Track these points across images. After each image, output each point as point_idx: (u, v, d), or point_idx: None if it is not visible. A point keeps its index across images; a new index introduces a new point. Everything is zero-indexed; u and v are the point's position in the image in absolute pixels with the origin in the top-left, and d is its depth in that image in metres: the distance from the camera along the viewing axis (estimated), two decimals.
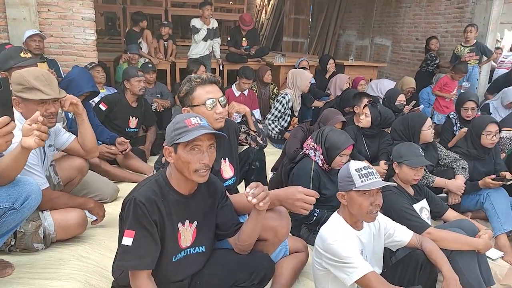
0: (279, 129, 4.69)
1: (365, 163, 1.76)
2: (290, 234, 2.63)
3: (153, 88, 4.91)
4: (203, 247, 1.64)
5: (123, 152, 3.38)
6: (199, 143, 1.45)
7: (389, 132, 3.77)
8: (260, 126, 2.66)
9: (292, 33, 10.94)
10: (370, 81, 6.17)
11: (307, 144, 2.69)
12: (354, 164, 1.74)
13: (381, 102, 4.39)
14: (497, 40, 6.98)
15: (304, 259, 2.27)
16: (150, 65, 4.86)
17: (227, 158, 2.23)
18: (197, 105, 1.92)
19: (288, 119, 4.74)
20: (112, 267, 1.65)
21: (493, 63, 6.48)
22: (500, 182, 2.91)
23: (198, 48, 6.17)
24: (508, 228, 2.76)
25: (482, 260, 2.19)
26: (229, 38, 6.81)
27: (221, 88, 2.07)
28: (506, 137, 3.63)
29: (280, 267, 2.11)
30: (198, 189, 1.60)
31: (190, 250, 1.61)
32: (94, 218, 2.37)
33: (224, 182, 2.13)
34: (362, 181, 1.66)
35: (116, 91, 4.37)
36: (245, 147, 2.71)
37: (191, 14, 8.03)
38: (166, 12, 8.41)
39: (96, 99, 3.83)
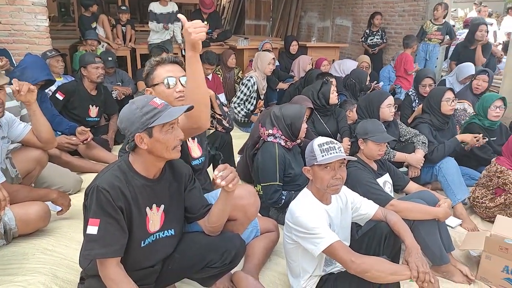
0: (245, 112, 4.68)
1: (329, 139, 1.80)
2: (259, 215, 2.68)
3: (113, 76, 4.75)
4: (172, 230, 1.63)
5: (85, 142, 3.26)
6: (173, 121, 1.47)
7: (355, 110, 3.86)
8: (226, 109, 2.64)
9: (254, 16, 10.86)
10: (333, 62, 6.26)
11: (262, 133, 2.69)
12: (318, 140, 1.78)
13: (344, 81, 4.50)
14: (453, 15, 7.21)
15: (275, 238, 2.32)
16: (110, 58, 4.59)
17: (195, 138, 2.21)
18: (157, 84, 1.89)
19: (254, 102, 4.74)
20: (80, 257, 1.61)
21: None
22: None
23: (159, 33, 6.01)
24: (461, 198, 2.91)
25: (442, 228, 2.31)
26: None
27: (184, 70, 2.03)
28: (460, 108, 3.81)
29: (252, 248, 2.15)
30: (163, 173, 1.59)
31: (159, 234, 1.59)
32: (59, 208, 2.30)
33: (192, 161, 2.12)
34: (322, 156, 1.70)
35: (73, 79, 4.19)
36: (211, 131, 2.70)
37: None
38: None
39: (53, 88, 3.66)
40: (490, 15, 10.65)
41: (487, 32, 5.15)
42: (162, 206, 1.58)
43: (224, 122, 2.57)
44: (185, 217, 1.68)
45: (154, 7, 5.93)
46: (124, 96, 4.49)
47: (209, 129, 2.64)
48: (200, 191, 1.71)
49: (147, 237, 1.55)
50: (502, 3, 13.12)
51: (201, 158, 2.22)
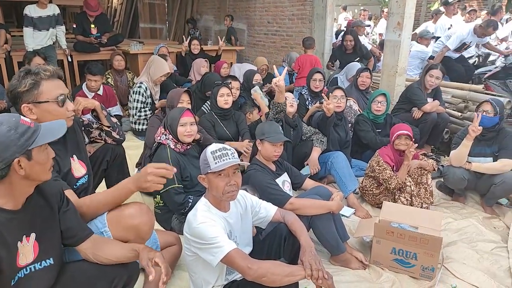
0: (143, 119, 4.45)
1: (222, 145, 1.77)
2: (161, 228, 2.56)
3: None
4: (51, 259, 1.44)
5: None
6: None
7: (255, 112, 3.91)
8: (114, 119, 2.45)
9: (149, 19, 10.50)
10: (231, 64, 6.31)
11: (157, 133, 2.63)
12: (211, 147, 1.75)
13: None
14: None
15: (177, 252, 2.22)
16: None
17: (75, 156, 2.00)
18: (46, 102, 1.69)
19: (151, 107, 4.51)
20: None
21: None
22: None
23: (39, 37, 5.42)
24: (352, 188, 3.15)
25: (337, 220, 2.44)
26: (74, 26, 6.14)
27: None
28: (346, 106, 4.10)
29: None
30: (28, 199, 1.39)
31: (34, 266, 1.39)
32: None
33: (76, 182, 1.94)
34: (216, 163, 1.68)
35: None
36: (100, 144, 2.50)
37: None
38: None
39: None
40: (370, 18, 11.87)
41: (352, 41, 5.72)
42: (33, 235, 1.39)
43: (114, 134, 2.38)
44: (63, 243, 1.51)
45: (30, 11, 5.33)
46: None
47: (97, 142, 2.46)
48: (76, 213, 1.54)
49: (16, 273, 1.34)
50: (379, 7, 14.67)
51: (86, 177, 2.03)
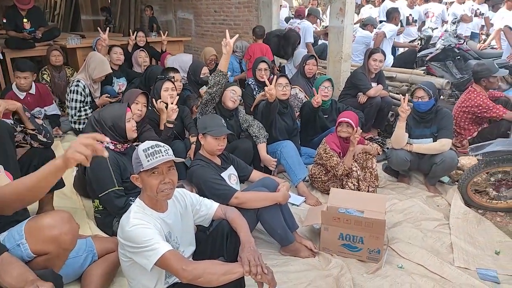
0: (84, 118, 4.20)
1: (155, 142, 1.68)
2: (103, 233, 2.42)
3: None
4: None
5: None
6: None
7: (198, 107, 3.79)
8: (39, 121, 2.25)
9: (91, 11, 10.00)
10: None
11: None
12: (143, 145, 1.66)
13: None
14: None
15: (117, 258, 2.08)
16: None
17: (1, 167, 1.82)
18: None
19: (91, 105, 4.27)
20: None
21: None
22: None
23: None
24: (301, 177, 3.14)
25: (285, 210, 2.42)
26: (4, 20, 5.68)
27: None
28: (292, 94, 4.09)
29: (88, 276, 1.92)
30: None
31: None
32: None
33: None
34: (148, 160, 1.59)
35: None
36: (26, 149, 2.30)
37: None
38: None
39: None
40: (318, 4, 11.98)
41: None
42: None
43: (40, 137, 2.20)
44: None
45: None
46: None
47: (22, 146, 2.26)
48: None
49: None
50: None
51: None
